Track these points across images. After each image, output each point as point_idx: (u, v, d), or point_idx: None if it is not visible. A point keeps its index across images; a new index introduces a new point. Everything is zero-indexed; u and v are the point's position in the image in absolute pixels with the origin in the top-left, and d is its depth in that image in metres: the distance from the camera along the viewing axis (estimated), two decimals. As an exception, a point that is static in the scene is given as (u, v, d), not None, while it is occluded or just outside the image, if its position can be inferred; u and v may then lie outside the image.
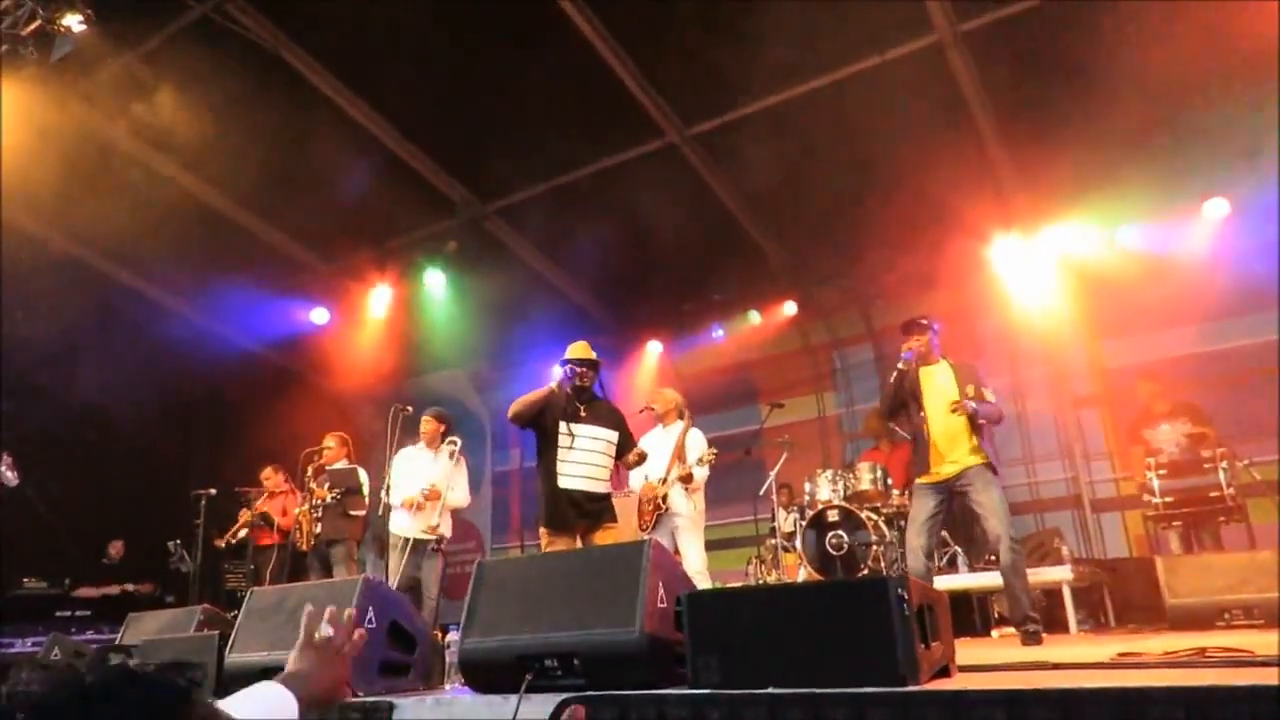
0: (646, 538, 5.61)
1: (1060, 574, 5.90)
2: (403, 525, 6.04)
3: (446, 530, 6.24)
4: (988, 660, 3.08)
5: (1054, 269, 8.47)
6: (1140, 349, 8.23)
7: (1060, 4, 6.47)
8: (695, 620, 2.63)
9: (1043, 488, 8.54)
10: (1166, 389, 7.06)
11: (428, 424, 6.36)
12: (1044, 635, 4.58)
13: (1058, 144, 7.45)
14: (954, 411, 4.64)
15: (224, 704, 1.26)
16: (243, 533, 7.27)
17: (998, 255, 8.52)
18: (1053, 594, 6.23)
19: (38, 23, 6.08)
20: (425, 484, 6.01)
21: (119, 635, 4.78)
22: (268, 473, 7.53)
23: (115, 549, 8.57)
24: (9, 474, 7.54)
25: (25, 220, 8.01)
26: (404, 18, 6.87)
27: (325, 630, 1.56)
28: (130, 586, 8.50)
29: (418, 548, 6.05)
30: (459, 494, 6.30)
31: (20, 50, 6.24)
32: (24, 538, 7.93)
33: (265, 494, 7.47)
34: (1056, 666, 2.61)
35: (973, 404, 4.65)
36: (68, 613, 7.71)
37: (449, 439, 6.24)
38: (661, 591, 2.79)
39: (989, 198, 8.13)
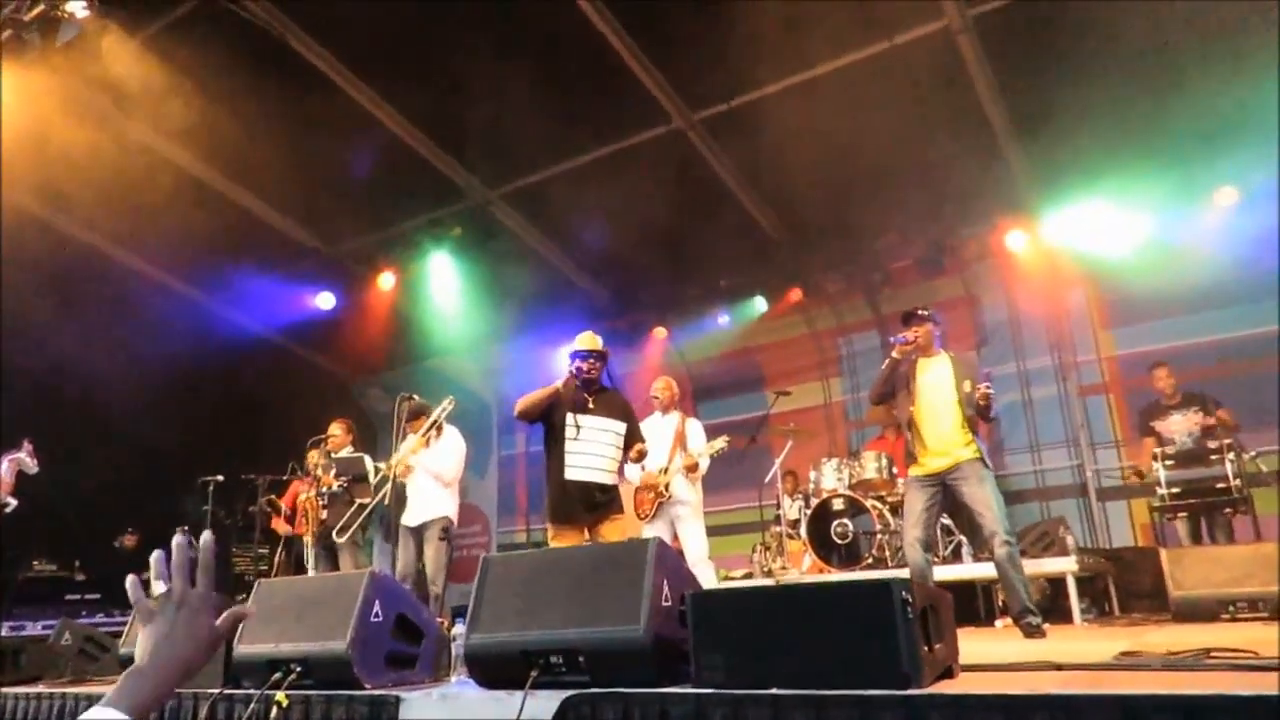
0: (652, 536, 5.66)
1: (1064, 564, 5.90)
2: (406, 515, 6.05)
3: (448, 511, 6.16)
4: (991, 655, 3.09)
5: (1061, 255, 8.44)
6: (1147, 336, 8.20)
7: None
8: (699, 619, 2.64)
9: (1048, 475, 8.55)
10: (1180, 379, 7.01)
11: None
12: (1046, 627, 4.59)
13: (1068, 130, 7.38)
14: (976, 397, 4.57)
15: None
16: (285, 526, 7.17)
17: (1004, 242, 8.50)
18: (1057, 583, 6.25)
19: (41, 7, 6.06)
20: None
21: (130, 620, 4.82)
22: (313, 455, 7.37)
23: (129, 540, 8.55)
24: (29, 460, 7.60)
25: (30, 204, 8.01)
26: (409, 3, 6.84)
27: (158, 587, 1.14)
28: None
29: (418, 534, 6.04)
30: (430, 459, 6.21)
31: (24, 35, 6.22)
32: (35, 521, 7.97)
33: (302, 478, 7.36)
34: (1059, 668, 2.62)
35: (990, 390, 4.57)
36: (77, 596, 7.79)
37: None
38: (666, 589, 2.79)
39: (997, 184, 8.10)
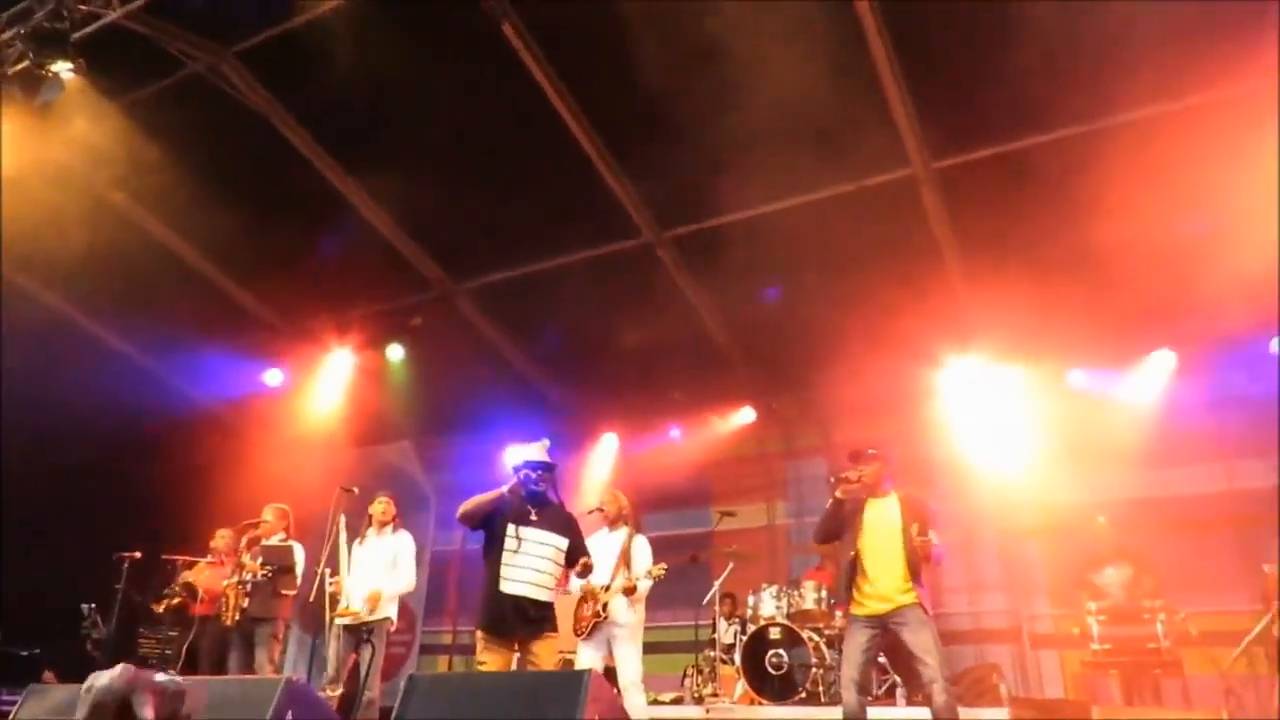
0: (585, 657, 5.50)
1: (997, 716, 5.84)
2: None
3: (390, 613, 6.04)
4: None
5: (1006, 401, 8.65)
6: (1085, 487, 8.34)
7: (1031, 150, 6.74)
8: (630, 763, 2.54)
9: (985, 618, 8.53)
10: (1118, 533, 7.12)
11: (385, 506, 6.26)
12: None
13: (1018, 281, 7.66)
14: (918, 544, 4.58)
15: None
16: (175, 601, 6.83)
17: (953, 384, 8.72)
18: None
19: (25, 64, 6.06)
20: (370, 579, 5.90)
21: (16, 706, 4.48)
22: (221, 533, 7.08)
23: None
24: None
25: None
26: (397, 95, 6.99)
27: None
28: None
29: (356, 634, 5.83)
30: (404, 580, 6.15)
31: (4, 89, 6.20)
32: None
33: (206, 559, 7.05)
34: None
35: (935, 542, 4.59)
36: (-28, 668, 7.23)
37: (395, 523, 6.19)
38: (597, 726, 2.70)
39: (950, 327, 8.33)
